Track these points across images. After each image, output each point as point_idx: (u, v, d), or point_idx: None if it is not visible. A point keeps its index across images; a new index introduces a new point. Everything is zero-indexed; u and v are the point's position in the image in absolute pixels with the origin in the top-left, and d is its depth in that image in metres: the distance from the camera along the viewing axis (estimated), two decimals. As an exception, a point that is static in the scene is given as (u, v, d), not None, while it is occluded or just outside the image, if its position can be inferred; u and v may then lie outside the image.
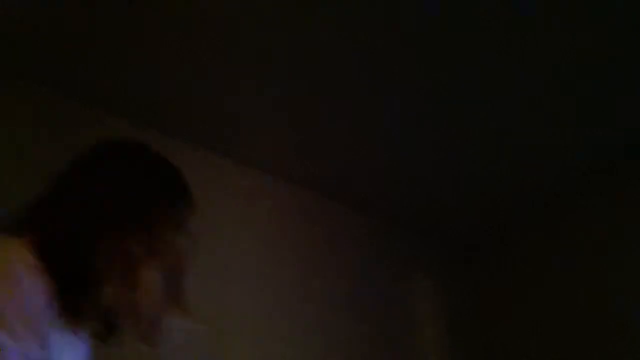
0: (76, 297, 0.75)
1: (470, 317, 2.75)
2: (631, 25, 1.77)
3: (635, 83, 2.00)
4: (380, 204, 2.62)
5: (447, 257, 2.87)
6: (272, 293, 2.21)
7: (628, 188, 2.34)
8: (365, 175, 2.46)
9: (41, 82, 1.93)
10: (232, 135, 2.23)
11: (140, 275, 0.80)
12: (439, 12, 1.73)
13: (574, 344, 2.32)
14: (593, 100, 2.07)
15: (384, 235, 2.70)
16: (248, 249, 2.24)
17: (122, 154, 0.90)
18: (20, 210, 0.81)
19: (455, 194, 2.56)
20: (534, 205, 2.60)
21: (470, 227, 2.79)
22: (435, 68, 1.94)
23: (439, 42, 1.84)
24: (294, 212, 2.44)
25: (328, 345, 2.26)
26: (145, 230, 0.83)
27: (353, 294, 2.43)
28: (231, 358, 1.99)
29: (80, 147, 0.89)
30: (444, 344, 2.63)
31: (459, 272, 2.85)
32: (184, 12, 1.73)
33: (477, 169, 2.41)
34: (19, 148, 1.83)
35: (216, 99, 2.06)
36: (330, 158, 2.36)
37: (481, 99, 2.06)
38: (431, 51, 1.87)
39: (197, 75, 1.96)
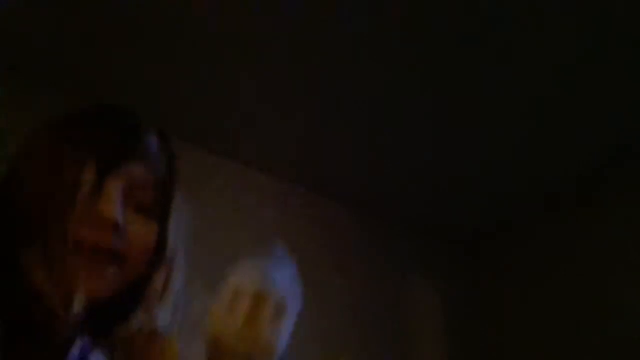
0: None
1: (469, 316, 2.75)
2: (631, 25, 1.77)
3: (636, 83, 2.00)
4: (380, 203, 2.63)
5: (447, 257, 2.87)
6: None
7: (629, 188, 2.34)
8: (365, 175, 2.46)
9: (40, 81, 1.93)
10: (232, 136, 2.23)
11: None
12: (439, 11, 1.73)
13: (574, 343, 2.32)
14: (595, 100, 2.07)
15: (383, 235, 2.70)
16: (247, 248, 2.24)
17: None
18: None
19: (455, 193, 2.56)
20: (535, 205, 2.61)
21: (470, 226, 2.79)
22: (434, 67, 1.94)
23: (440, 41, 1.84)
24: (293, 211, 2.44)
25: (327, 345, 2.26)
26: None
27: (352, 293, 2.43)
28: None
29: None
30: (443, 344, 2.63)
31: (458, 271, 2.85)
32: (183, 12, 1.73)
33: (477, 169, 2.41)
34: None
35: (217, 100, 2.06)
36: (331, 158, 2.36)
37: (481, 98, 2.06)
38: (432, 51, 1.87)
39: (197, 76, 1.96)
